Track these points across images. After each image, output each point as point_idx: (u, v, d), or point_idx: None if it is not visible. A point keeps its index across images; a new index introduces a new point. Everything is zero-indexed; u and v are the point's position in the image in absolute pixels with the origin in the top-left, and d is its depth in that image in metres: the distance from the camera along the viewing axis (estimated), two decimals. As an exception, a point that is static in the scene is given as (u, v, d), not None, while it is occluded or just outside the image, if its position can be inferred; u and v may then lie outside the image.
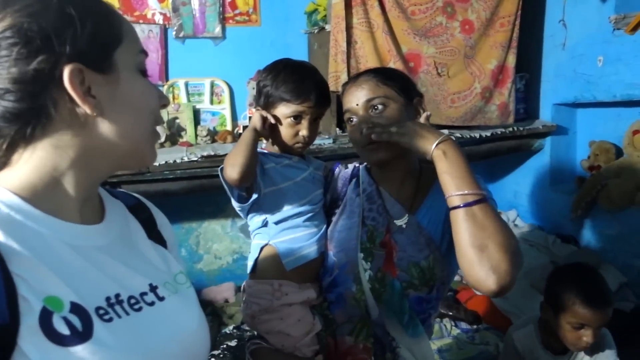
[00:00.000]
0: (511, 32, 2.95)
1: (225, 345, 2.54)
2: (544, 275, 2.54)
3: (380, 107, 1.20)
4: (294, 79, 1.26)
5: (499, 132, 3.03)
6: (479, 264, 0.96)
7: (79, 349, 0.59)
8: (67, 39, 0.63)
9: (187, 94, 2.99)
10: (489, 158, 3.16)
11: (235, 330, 2.74)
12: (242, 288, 1.32)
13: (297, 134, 1.27)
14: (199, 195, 2.77)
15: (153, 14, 2.90)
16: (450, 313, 2.74)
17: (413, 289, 1.19)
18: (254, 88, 2.97)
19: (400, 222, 1.22)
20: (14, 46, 0.62)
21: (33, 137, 0.65)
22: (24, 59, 0.62)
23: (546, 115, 3.23)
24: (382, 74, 1.26)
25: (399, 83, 1.25)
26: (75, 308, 0.62)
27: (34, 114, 0.64)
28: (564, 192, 3.09)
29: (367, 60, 2.76)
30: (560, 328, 1.61)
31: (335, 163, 1.44)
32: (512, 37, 2.96)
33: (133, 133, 0.71)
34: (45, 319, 0.59)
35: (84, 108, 0.65)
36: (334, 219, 1.31)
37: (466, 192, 1.01)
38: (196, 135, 2.91)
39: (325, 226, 1.32)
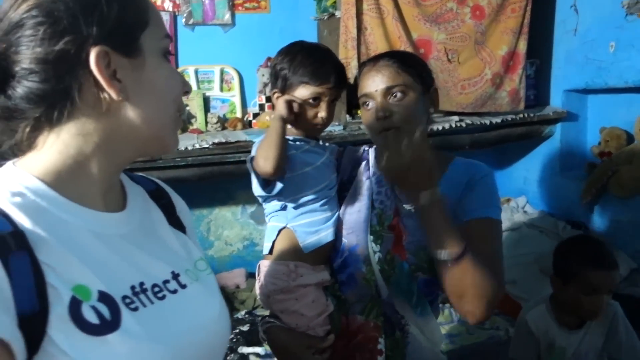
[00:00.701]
0: (522, 18, 2.92)
1: (237, 330, 2.58)
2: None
3: (399, 94, 1.20)
4: (312, 60, 1.26)
5: (509, 119, 3.02)
6: (458, 306, 1.15)
7: (109, 338, 0.59)
8: (94, 20, 0.62)
9: (197, 81, 3.00)
10: (499, 144, 3.16)
11: (247, 316, 2.77)
12: (257, 267, 1.34)
13: (315, 115, 1.28)
14: (209, 182, 2.79)
15: (162, 1, 2.90)
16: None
17: (422, 271, 1.22)
18: (263, 75, 2.98)
19: (409, 206, 1.24)
20: (40, 25, 0.60)
21: (58, 120, 0.64)
22: (49, 39, 0.61)
23: (557, 101, 3.21)
24: (402, 60, 1.24)
25: (417, 70, 1.25)
26: (103, 297, 0.62)
27: (59, 96, 0.63)
28: (574, 179, 3.08)
29: (377, 46, 2.75)
30: (572, 298, 1.64)
31: (346, 146, 1.44)
32: (523, 23, 2.93)
33: (157, 119, 0.70)
34: (74, 308, 0.59)
35: (110, 92, 0.64)
36: (345, 201, 1.33)
37: (448, 249, 1.10)
38: (206, 123, 2.92)
39: (337, 210, 1.34)
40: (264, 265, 1.31)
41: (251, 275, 3.05)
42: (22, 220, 0.59)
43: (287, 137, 1.29)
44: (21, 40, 0.61)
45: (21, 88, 0.62)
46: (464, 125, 2.89)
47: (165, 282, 0.72)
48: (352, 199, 1.32)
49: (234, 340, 2.48)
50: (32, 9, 0.61)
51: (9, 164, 0.66)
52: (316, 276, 1.28)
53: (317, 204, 1.29)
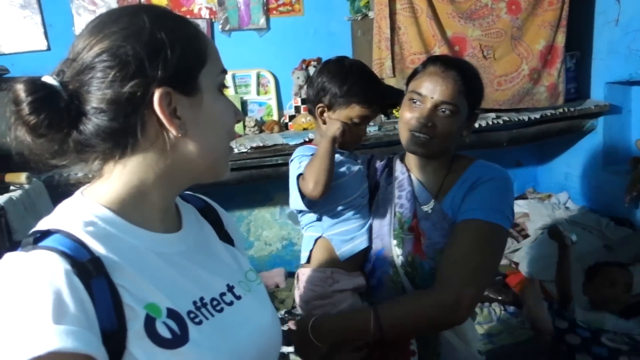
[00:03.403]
0: (560, 11, 2.86)
1: (278, 329, 2.63)
2: (597, 259, 2.51)
3: (448, 112, 1.22)
4: (364, 83, 1.29)
5: (549, 114, 2.97)
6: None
7: (181, 351, 0.65)
8: (159, 64, 0.67)
9: (235, 85, 3.06)
10: (538, 140, 3.11)
11: (286, 315, 2.83)
12: (295, 275, 1.39)
13: (356, 134, 1.33)
14: (249, 185, 2.86)
15: (200, 9, 2.98)
16: (499, 297, 2.73)
17: None
18: (298, 77, 3.02)
19: (427, 207, 1.28)
20: (110, 69, 0.65)
21: (123, 154, 0.69)
22: (118, 82, 0.65)
23: (598, 94, 3.13)
24: (468, 80, 1.25)
25: (475, 96, 1.28)
26: (171, 313, 0.67)
27: (125, 133, 0.68)
28: (617, 174, 3.00)
29: (411, 46, 2.76)
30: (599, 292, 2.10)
31: (372, 155, 1.49)
32: (561, 16, 2.87)
33: (212, 151, 0.75)
34: (149, 324, 0.64)
35: (170, 129, 0.69)
36: (372, 207, 1.37)
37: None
38: (244, 126, 2.98)
39: (369, 217, 1.37)
40: (303, 274, 1.35)
41: (290, 275, 3.11)
42: (97, 247, 0.65)
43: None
44: (92, 81, 0.66)
45: (91, 125, 0.67)
46: (501, 122, 2.86)
47: (222, 294, 0.78)
48: (378, 206, 1.36)
49: (275, 339, 2.53)
50: (103, 53, 0.66)
51: (77, 194, 0.73)
52: (352, 281, 1.31)
53: (351, 213, 1.32)
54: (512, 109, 2.93)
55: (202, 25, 2.96)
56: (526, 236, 3.11)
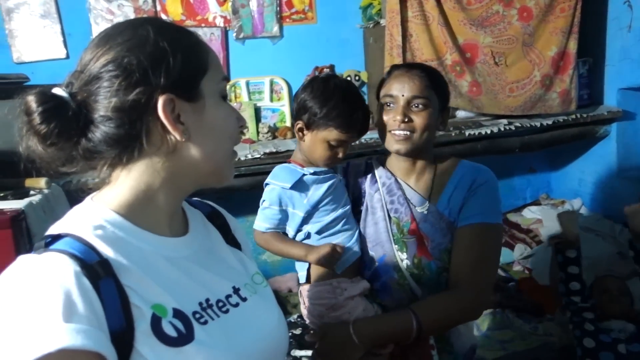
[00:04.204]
0: (572, 17, 2.87)
1: (290, 334, 2.66)
2: (610, 266, 2.50)
3: (420, 106, 1.29)
4: (345, 108, 1.28)
5: (561, 120, 2.97)
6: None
7: (186, 349, 0.68)
8: (162, 72, 0.70)
9: (248, 92, 3.11)
10: (551, 146, 3.11)
11: (299, 319, 2.85)
12: (299, 293, 1.40)
13: (333, 155, 1.32)
14: (261, 190, 2.88)
15: (214, 17, 3.03)
16: (512, 304, 2.73)
17: (447, 272, 1.31)
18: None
19: (421, 209, 1.34)
20: (115, 78, 0.69)
21: (129, 160, 0.73)
22: (123, 90, 0.69)
23: (611, 100, 3.13)
24: (433, 75, 1.34)
25: (442, 89, 1.34)
26: (177, 313, 0.70)
27: (131, 139, 0.71)
28: (632, 179, 2.98)
29: (422, 53, 2.78)
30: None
31: (347, 162, 1.50)
32: (573, 22, 2.87)
33: (215, 155, 0.78)
34: (155, 323, 0.67)
35: (174, 134, 0.72)
36: (362, 216, 1.39)
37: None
38: (258, 132, 3.02)
39: (357, 225, 1.39)
40: (306, 290, 1.36)
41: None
42: (105, 250, 0.68)
43: (304, 170, 1.33)
44: (99, 90, 0.70)
45: (99, 132, 0.71)
46: (513, 128, 2.86)
47: (228, 296, 0.80)
48: (368, 213, 1.38)
49: (287, 343, 2.56)
50: (108, 63, 0.70)
51: (87, 200, 0.76)
52: (358, 287, 1.33)
53: (338, 225, 1.34)
54: (524, 115, 2.94)
55: (217, 33, 3.02)
56: (539, 242, 3.11)
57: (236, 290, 0.83)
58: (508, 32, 2.86)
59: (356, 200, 1.41)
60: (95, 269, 0.64)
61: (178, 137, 0.73)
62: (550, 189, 3.65)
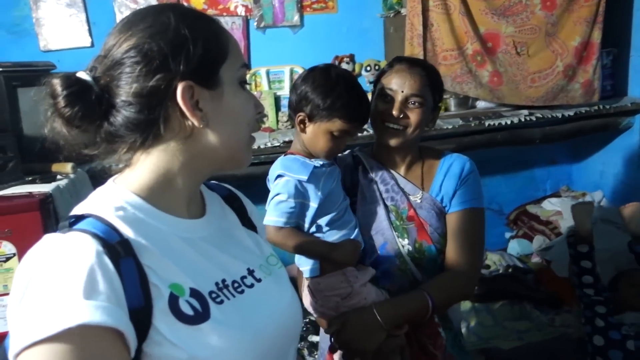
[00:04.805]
0: (597, 7, 2.82)
1: (307, 320, 2.70)
2: (630, 258, 2.48)
3: (417, 104, 1.36)
4: (349, 99, 1.28)
5: (583, 111, 2.94)
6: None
7: (202, 327, 0.71)
8: (182, 59, 0.72)
9: (269, 81, 3.13)
10: (572, 138, 3.07)
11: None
12: (306, 288, 1.38)
13: (336, 146, 1.32)
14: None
15: (236, 7, 3.05)
16: (530, 295, 2.72)
17: (443, 254, 1.41)
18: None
19: (415, 197, 1.41)
20: (137, 64, 0.71)
21: (149, 144, 0.75)
22: (144, 76, 0.71)
23: (636, 91, 3.07)
24: (432, 75, 1.41)
25: (438, 89, 1.41)
26: (194, 293, 0.73)
27: (150, 124, 0.74)
28: (654, 172, 2.95)
29: (443, 42, 2.77)
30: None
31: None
32: (597, 12, 2.83)
33: (232, 141, 0.80)
34: (173, 302, 0.70)
35: (193, 120, 0.74)
36: (357, 206, 1.43)
37: None
38: (277, 121, 3.05)
39: (354, 215, 1.42)
40: (318, 283, 1.34)
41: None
42: (126, 230, 0.71)
43: (312, 161, 1.33)
44: (121, 76, 0.72)
45: (121, 117, 0.74)
46: (534, 119, 2.84)
47: (243, 277, 0.83)
48: (364, 203, 1.43)
49: (304, 329, 2.60)
50: (131, 49, 0.72)
51: (109, 182, 0.79)
52: (367, 274, 1.36)
53: (345, 215, 1.36)
54: (545, 105, 2.91)
55: (238, 22, 3.04)
56: (558, 234, 3.08)
57: (251, 272, 0.85)
58: (531, 22, 2.82)
59: (348, 192, 1.43)
60: (116, 249, 0.67)
61: (196, 124, 0.75)
62: (571, 180, 3.61)
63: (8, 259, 1.59)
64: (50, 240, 0.67)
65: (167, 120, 0.74)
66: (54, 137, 0.73)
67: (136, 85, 0.72)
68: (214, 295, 0.75)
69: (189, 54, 0.73)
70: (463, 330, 2.48)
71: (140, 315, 0.66)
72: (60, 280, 0.62)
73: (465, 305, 2.70)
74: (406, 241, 1.39)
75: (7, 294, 1.58)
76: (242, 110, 0.81)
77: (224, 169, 0.83)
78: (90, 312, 0.60)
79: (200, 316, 0.71)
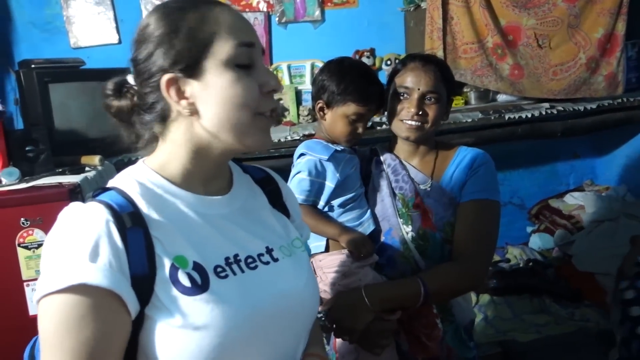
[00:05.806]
0: (621, -2, 2.78)
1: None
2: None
3: (433, 100, 1.41)
4: (361, 83, 1.38)
5: (606, 104, 2.90)
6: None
7: (198, 298, 0.76)
8: (162, 54, 0.81)
9: (290, 76, 3.17)
10: (595, 131, 3.04)
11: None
12: (311, 264, 1.42)
13: (353, 131, 1.41)
14: (301, 171, 2.96)
15: (258, 2, 3.10)
16: (550, 289, 2.72)
17: (449, 243, 1.41)
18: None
19: (424, 186, 1.44)
20: (143, 69, 0.83)
21: (162, 132, 0.86)
22: (147, 77, 0.83)
23: (662, 84, 3.02)
24: (445, 71, 1.46)
25: (452, 85, 1.45)
26: (197, 266, 0.79)
27: (159, 116, 0.84)
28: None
29: (463, 35, 2.77)
30: None
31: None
32: (622, 3, 2.79)
33: (227, 123, 0.81)
34: (173, 273, 0.77)
35: (179, 108, 0.82)
36: (368, 196, 1.49)
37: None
38: (298, 115, 3.09)
39: (368, 204, 1.48)
40: (320, 259, 1.41)
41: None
42: (142, 204, 0.79)
43: (334, 146, 1.42)
44: (139, 79, 0.85)
45: (145, 112, 0.86)
46: (555, 112, 2.82)
47: (260, 255, 0.88)
48: (374, 192, 1.49)
49: (319, 316, 2.64)
50: (139, 58, 0.85)
51: (140, 161, 0.89)
52: (368, 258, 1.39)
53: (357, 201, 1.43)
54: (567, 98, 2.88)
55: (260, 18, 3.10)
56: (581, 228, 3.06)
57: (269, 251, 0.89)
58: (553, 14, 2.80)
59: (362, 182, 1.51)
60: (123, 220, 0.75)
61: (184, 112, 0.82)
62: (595, 175, 3.57)
63: (39, 245, 1.67)
64: (70, 208, 0.77)
65: (168, 110, 0.83)
66: (106, 129, 0.89)
67: (145, 84, 0.83)
68: (219, 269, 0.81)
69: (168, 49, 0.81)
70: (480, 321, 2.50)
71: (144, 281, 0.74)
72: (70, 243, 0.72)
73: (484, 298, 2.71)
74: (410, 228, 1.41)
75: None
76: (232, 91, 0.80)
77: (233, 151, 0.87)
78: (91, 274, 0.69)
79: (197, 288, 0.77)
